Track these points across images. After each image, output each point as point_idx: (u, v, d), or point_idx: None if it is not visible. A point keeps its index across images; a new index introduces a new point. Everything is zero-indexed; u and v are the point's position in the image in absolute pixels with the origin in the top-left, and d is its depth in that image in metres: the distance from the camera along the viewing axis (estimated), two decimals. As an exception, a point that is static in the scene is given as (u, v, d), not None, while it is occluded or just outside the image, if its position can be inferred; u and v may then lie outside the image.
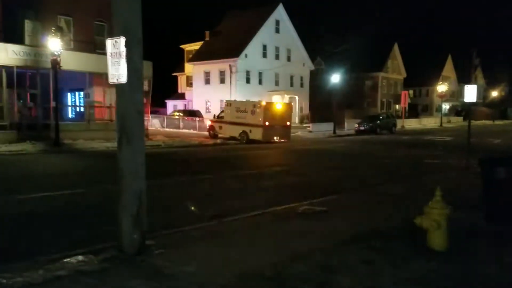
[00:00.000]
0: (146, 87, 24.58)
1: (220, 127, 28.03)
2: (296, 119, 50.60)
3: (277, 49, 48.68)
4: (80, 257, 5.09)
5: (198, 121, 36.53)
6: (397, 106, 65.85)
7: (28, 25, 23.11)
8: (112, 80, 5.30)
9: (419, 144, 26.79)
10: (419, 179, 12.30)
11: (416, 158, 18.63)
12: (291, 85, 50.80)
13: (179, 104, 54.44)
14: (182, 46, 55.48)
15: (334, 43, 48.38)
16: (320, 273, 4.87)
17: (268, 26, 47.07)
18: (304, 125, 44.90)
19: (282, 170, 14.87)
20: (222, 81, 46.21)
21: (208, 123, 30.68)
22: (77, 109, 28.17)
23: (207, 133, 29.84)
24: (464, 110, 67.19)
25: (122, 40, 5.10)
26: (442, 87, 57.48)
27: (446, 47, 75.96)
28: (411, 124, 51.89)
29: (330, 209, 8.08)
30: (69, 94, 28.66)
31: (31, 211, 8.04)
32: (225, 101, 29.91)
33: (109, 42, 5.28)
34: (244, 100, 30.05)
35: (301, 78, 52.57)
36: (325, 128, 37.75)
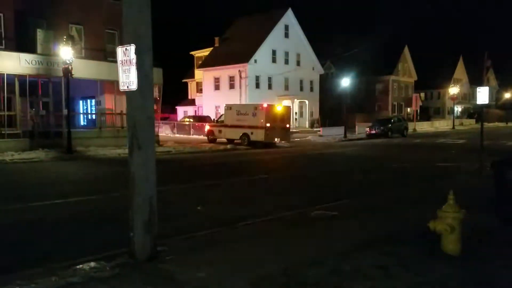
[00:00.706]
0: (156, 93, 24.79)
1: (220, 131, 28.31)
2: (306, 124, 50.56)
3: (286, 53, 48.73)
4: (92, 264, 5.12)
5: (208, 127, 36.54)
6: (408, 109, 65.45)
7: (40, 34, 23.41)
8: (123, 87, 5.34)
9: (431, 147, 26.54)
10: (432, 183, 12.19)
11: (429, 162, 18.45)
12: (301, 89, 50.78)
13: (190, 110, 54.76)
14: (192, 53, 55.91)
15: (344, 47, 48.34)
16: (333, 278, 4.82)
17: (277, 31, 47.19)
18: (315, 129, 44.79)
19: (297, 174, 14.85)
20: (232, 86, 46.41)
21: (206, 127, 30.84)
22: (89, 116, 28.50)
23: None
24: (477, 112, 66.44)
25: (132, 48, 5.14)
26: (454, 89, 57.01)
27: (458, 49, 75.50)
28: (423, 127, 51.41)
29: (342, 214, 8.04)
30: (80, 102, 29.02)
31: (44, 217, 8.12)
32: (225, 105, 30.12)
33: (119, 50, 5.33)
34: None
35: (311, 83, 52.54)
36: (336, 132, 37.50)
